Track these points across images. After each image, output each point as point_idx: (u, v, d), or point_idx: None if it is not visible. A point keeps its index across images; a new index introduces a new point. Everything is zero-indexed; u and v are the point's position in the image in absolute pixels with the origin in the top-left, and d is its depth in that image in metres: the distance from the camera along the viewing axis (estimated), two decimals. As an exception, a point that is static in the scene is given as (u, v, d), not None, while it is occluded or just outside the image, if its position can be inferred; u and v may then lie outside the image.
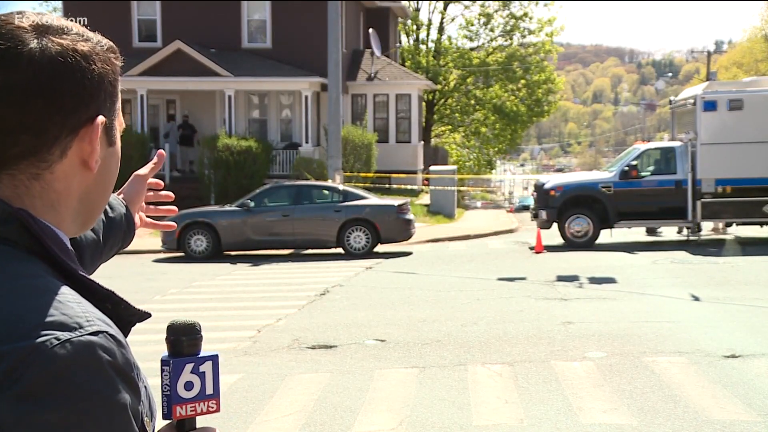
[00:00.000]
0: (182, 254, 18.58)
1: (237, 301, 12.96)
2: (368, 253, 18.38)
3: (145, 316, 1.29)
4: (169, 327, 1.38)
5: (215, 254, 18.39)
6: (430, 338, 9.72)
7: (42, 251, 1.19)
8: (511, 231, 25.24)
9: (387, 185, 28.99)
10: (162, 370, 1.35)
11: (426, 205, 27.81)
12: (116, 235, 1.80)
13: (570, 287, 13.33)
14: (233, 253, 18.78)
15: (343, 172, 23.06)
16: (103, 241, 1.75)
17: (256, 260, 18.05)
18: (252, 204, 18.71)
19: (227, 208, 19.09)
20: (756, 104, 18.84)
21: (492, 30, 45.15)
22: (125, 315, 1.25)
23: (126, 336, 1.24)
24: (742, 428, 6.30)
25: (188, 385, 1.35)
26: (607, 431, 6.34)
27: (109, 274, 15.29)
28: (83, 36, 1.22)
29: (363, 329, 10.33)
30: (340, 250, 18.58)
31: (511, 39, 44.93)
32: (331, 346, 9.47)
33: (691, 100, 19.51)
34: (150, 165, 1.97)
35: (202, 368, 1.37)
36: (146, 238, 20.44)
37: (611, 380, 7.74)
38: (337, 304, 12.19)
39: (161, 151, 1.98)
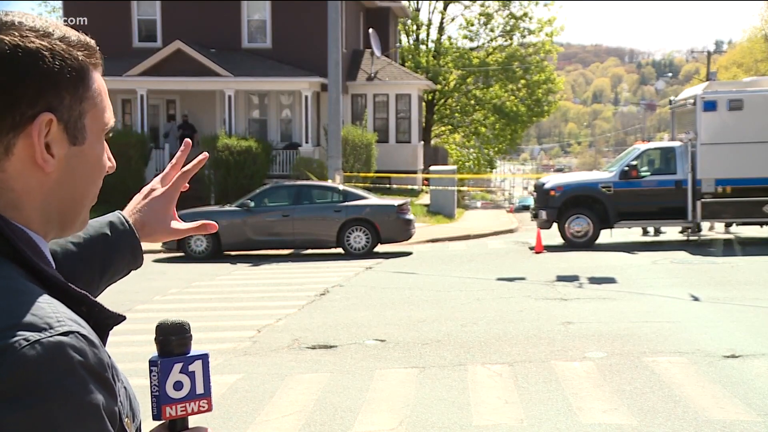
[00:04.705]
0: (182, 254, 18.58)
1: (237, 301, 12.96)
2: (368, 253, 18.37)
3: (120, 318, 1.27)
4: (158, 327, 1.36)
5: (215, 254, 18.38)
6: (430, 338, 9.71)
7: (14, 254, 1.18)
8: (511, 231, 25.23)
9: (387, 185, 28.98)
10: (150, 371, 1.34)
11: (426, 205, 27.80)
12: (118, 263, 1.64)
13: (570, 287, 13.33)
14: (233, 253, 18.78)
15: (343, 172, 23.06)
16: (100, 271, 1.61)
17: (256, 260, 18.05)
18: (252, 204, 18.71)
19: (227, 208, 19.09)
20: (756, 104, 18.83)
21: (492, 30, 45.16)
22: (101, 318, 1.23)
23: (105, 340, 1.22)
24: (742, 428, 6.30)
25: (178, 385, 1.34)
26: (607, 431, 6.34)
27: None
28: (40, 32, 1.20)
29: (363, 329, 10.33)
30: (340, 250, 18.57)
31: (511, 39, 44.92)
32: (331, 346, 9.46)
33: (691, 100, 19.50)
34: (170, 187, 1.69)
35: (191, 368, 1.35)
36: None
37: (611, 380, 7.74)
38: (337, 304, 12.19)
39: (185, 146, 1.71)
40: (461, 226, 25.66)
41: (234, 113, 28.68)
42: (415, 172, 32.27)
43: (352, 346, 9.44)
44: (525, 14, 44.52)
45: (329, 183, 20.95)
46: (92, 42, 1.27)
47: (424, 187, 31.89)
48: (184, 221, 1.73)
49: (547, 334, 9.77)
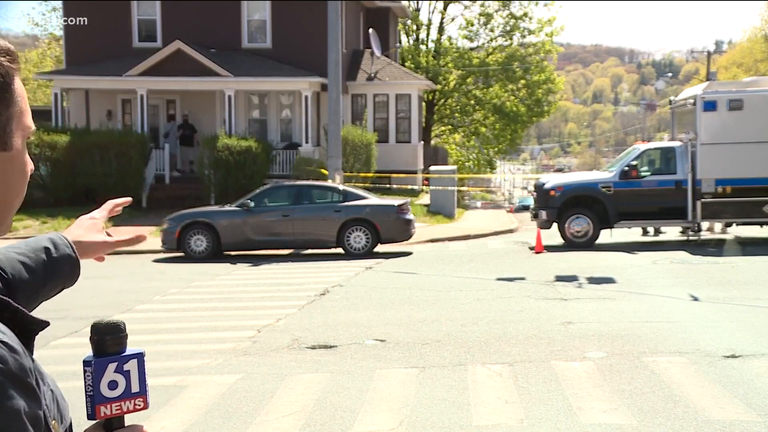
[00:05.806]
0: (182, 254, 18.57)
1: (237, 301, 12.96)
2: (368, 253, 18.38)
3: (43, 324, 1.28)
4: (92, 326, 1.38)
5: (215, 254, 18.38)
6: (430, 338, 9.71)
7: None
8: (511, 231, 25.23)
9: (387, 185, 28.98)
10: (84, 371, 1.36)
11: (426, 205, 27.80)
12: (58, 276, 1.70)
13: (570, 287, 13.33)
14: (233, 253, 18.77)
15: (343, 172, 23.05)
16: (42, 282, 1.66)
17: (256, 260, 18.05)
18: (252, 204, 18.71)
19: (227, 208, 19.08)
20: (756, 104, 18.83)
21: (492, 30, 45.16)
22: (24, 324, 1.24)
23: (31, 345, 1.23)
24: (742, 428, 6.30)
25: (112, 385, 1.36)
26: (607, 431, 6.33)
27: (109, 274, 15.28)
28: None
29: (363, 329, 10.33)
30: (340, 250, 18.57)
31: (511, 39, 44.93)
32: (331, 346, 9.46)
33: (691, 100, 19.50)
34: (103, 213, 1.89)
35: (126, 367, 1.37)
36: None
37: (611, 380, 7.74)
38: (337, 304, 12.19)
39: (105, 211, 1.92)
40: (461, 226, 25.66)
41: (234, 113, 28.67)
42: (415, 172, 32.27)
43: (352, 346, 9.44)
44: (525, 14, 44.52)
45: (329, 183, 20.95)
46: (12, 47, 1.28)
47: (424, 187, 31.89)
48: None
49: (547, 334, 9.77)
